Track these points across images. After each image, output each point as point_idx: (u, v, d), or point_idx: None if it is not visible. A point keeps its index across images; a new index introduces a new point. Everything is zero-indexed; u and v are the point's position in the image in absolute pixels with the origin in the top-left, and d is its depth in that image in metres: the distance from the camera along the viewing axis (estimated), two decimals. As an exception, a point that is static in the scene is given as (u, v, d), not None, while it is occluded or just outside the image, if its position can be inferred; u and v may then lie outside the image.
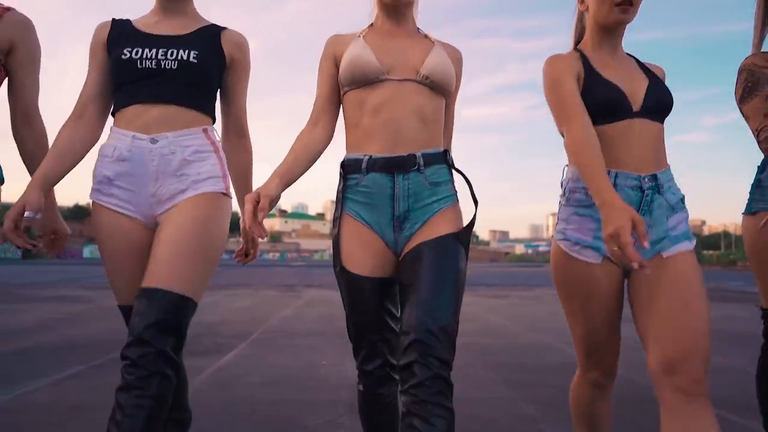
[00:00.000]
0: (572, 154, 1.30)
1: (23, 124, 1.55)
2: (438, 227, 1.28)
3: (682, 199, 1.39)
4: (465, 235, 1.30)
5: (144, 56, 1.38)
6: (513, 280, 17.86)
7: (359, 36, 1.37)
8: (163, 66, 1.38)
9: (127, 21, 1.50)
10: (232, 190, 1.50)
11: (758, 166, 1.68)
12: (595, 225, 1.32)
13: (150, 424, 1.17)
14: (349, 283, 1.30)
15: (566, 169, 1.43)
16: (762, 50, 1.70)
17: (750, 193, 1.70)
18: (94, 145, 1.45)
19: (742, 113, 1.68)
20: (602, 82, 1.35)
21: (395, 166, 1.28)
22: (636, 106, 1.34)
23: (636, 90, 1.36)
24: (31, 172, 1.50)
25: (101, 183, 1.40)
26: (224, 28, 1.52)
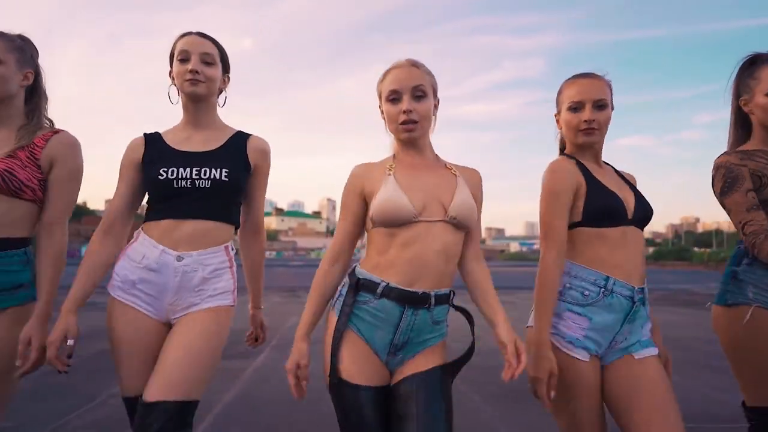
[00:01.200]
0: (542, 274, 1.44)
1: (45, 234, 1.51)
2: (428, 358, 1.35)
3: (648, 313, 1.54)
4: (457, 368, 1.41)
5: (179, 176, 1.47)
6: (498, 282, 18.55)
7: (389, 173, 1.37)
8: (197, 185, 1.47)
9: (158, 137, 1.59)
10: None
11: (732, 257, 1.67)
12: (587, 323, 1.43)
13: None
14: (351, 394, 1.30)
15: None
16: (735, 149, 1.72)
17: (723, 283, 1.67)
18: (118, 252, 1.53)
19: (723, 205, 1.67)
20: (604, 189, 1.48)
21: (409, 301, 1.31)
22: (630, 214, 1.47)
23: (628, 199, 1.50)
24: (37, 278, 1.50)
25: (124, 283, 1.47)
26: (249, 136, 1.63)
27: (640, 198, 1.53)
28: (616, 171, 1.62)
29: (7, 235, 1.45)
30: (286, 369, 1.33)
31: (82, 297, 1.45)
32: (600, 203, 1.46)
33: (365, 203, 1.39)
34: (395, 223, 1.32)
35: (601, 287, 1.44)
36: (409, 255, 1.31)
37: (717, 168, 1.66)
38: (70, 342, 1.39)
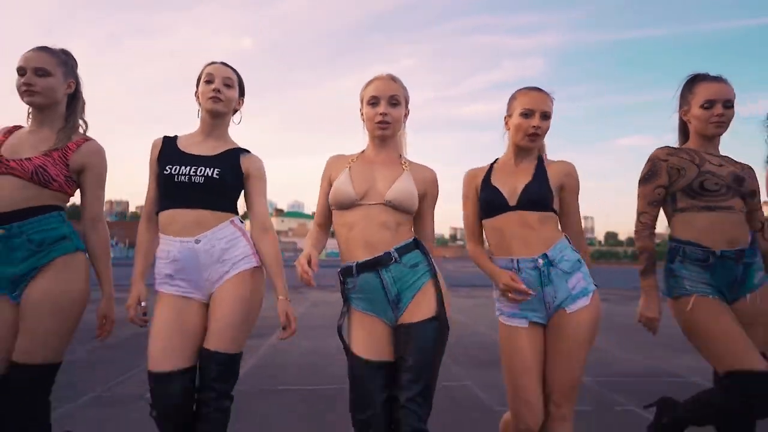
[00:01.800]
0: (472, 257, 1.89)
1: (90, 229, 1.82)
2: (423, 305, 1.61)
3: (579, 260, 1.75)
4: (442, 316, 1.61)
5: (179, 173, 1.73)
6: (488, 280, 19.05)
7: (347, 167, 1.72)
8: (192, 181, 1.73)
9: (173, 140, 1.85)
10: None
11: (667, 253, 1.94)
12: (521, 303, 1.76)
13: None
14: (359, 368, 1.59)
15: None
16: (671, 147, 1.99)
17: (665, 278, 1.94)
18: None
19: (638, 189, 1.99)
20: (489, 186, 1.82)
21: (378, 264, 1.61)
22: (512, 200, 1.76)
23: (516, 188, 1.78)
24: (95, 267, 1.82)
25: (165, 278, 1.75)
26: (246, 152, 1.89)
27: (536, 183, 1.76)
28: (540, 163, 1.85)
29: (42, 203, 1.70)
30: (298, 262, 1.60)
31: (142, 271, 1.80)
32: (483, 197, 1.82)
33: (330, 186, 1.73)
34: (342, 206, 1.66)
35: (511, 269, 1.76)
36: (356, 233, 1.63)
37: (648, 159, 1.96)
38: (143, 304, 1.76)
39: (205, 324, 1.73)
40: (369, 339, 1.61)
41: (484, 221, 1.88)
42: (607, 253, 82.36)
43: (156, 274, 1.79)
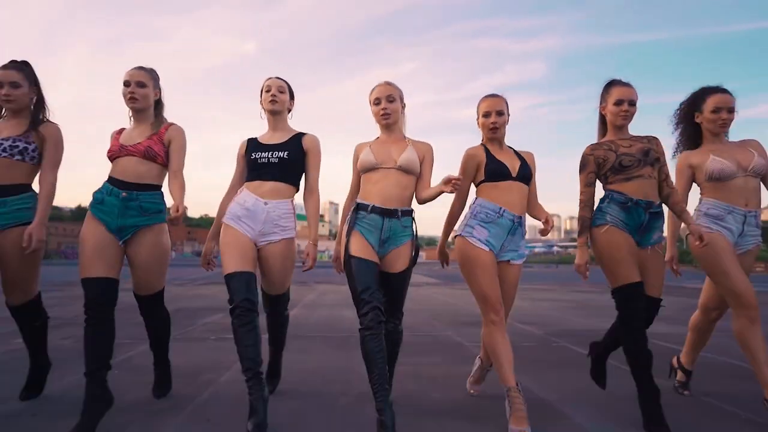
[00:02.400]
0: (451, 213, 2.56)
1: (174, 178, 2.42)
2: (400, 260, 2.34)
3: (524, 234, 2.47)
4: (412, 265, 2.39)
5: (261, 157, 2.48)
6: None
7: (368, 146, 2.44)
8: (269, 161, 2.47)
9: (255, 139, 2.60)
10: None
11: (600, 199, 2.52)
12: (487, 233, 2.38)
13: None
14: (357, 263, 2.26)
15: (476, 201, 2.46)
16: (594, 143, 2.55)
17: (595, 214, 2.50)
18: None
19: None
20: (495, 160, 2.44)
21: (385, 213, 2.31)
22: (514, 173, 2.42)
23: (514, 166, 2.44)
24: (177, 202, 2.32)
25: (234, 215, 2.41)
26: (304, 134, 2.58)
27: (524, 165, 2.46)
28: (515, 151, 2.53)
29: (151, 182, 2.43)
30: (334, 259, 2.46)
31: (216, 232, 2.54)
32: (492, 168, 2.44)
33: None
34: (366, 169, 2.38)
35: (496, 212, 2.41)
36: (378, 187, 2.34)
37: (581, 155, 2.54)
38: (214, 257, 2.63)
39: (253, 250, 2.40)
40: (362, 248, 2.30)
41: (485, 184, 2.47)
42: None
43: (228, 211, 2.45)
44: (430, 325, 5.71)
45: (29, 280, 2.51)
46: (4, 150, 2.40)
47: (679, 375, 2.94)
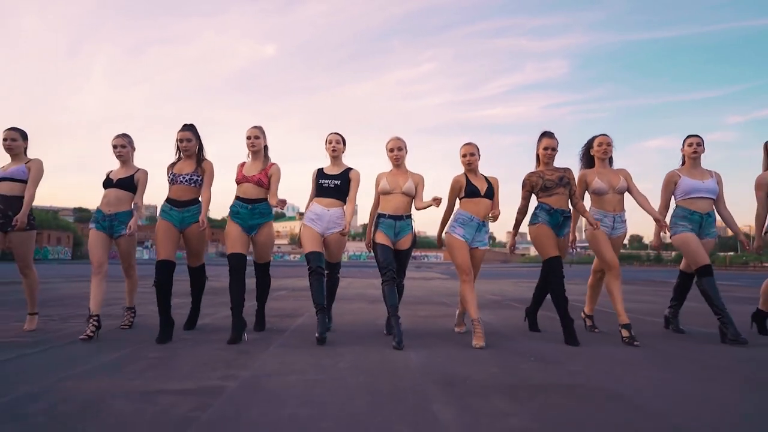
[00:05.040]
0: (444, 217, 4.10)
1: (271, 197, 3.98)
2: (405, 243, 4.00)
3: (488, 230, 3.98)
4: (413, 246, 4.04)
5: (325, 183, 4.04)
6: (491, 276, 21.43)
7: (385, 177, 4.01)
8: (330, 186, 4.03)
9: (322, 168, 4.13)
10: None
11: (535, 207, 4.05)
12: (463, 230, 3.83)
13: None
14: (381, 247, 3.87)
15: (457, 210, 3.92)
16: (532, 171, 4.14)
17: (532, 215, 4.04)
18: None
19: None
20: (471, 185, 3.88)
21: (395, 218, 3.94)
22: (482, 192, 3.87)
23: (482, 187, 3.88)
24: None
25: (310, 219, 3.98)
26: (351, 169, 4.08)
27: (489, 187, 3.88)
28: (485, 177, 3.94)
29: (262, 197, 3.96)
30: (366, 243, 4.17)
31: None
32: (469, 189, 3.88)
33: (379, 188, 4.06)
34: (384, 192, 3.99)
35: (470, 218, 3.85)
36: (391, 204, 3.96)
37: (523, 179, 4.10)
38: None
39: (320, 239, 3.96)
40: (383, 239, 3.90)
41: (464, 199, 3.91)
42: (628, 257, 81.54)
43: (305, 216, 4.06)
44: (431, 296, 8.28)
45: (201, 252, 4.23)
46: (187, 181, 4.00)
47: (588, 321, 4.52)
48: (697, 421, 1.99)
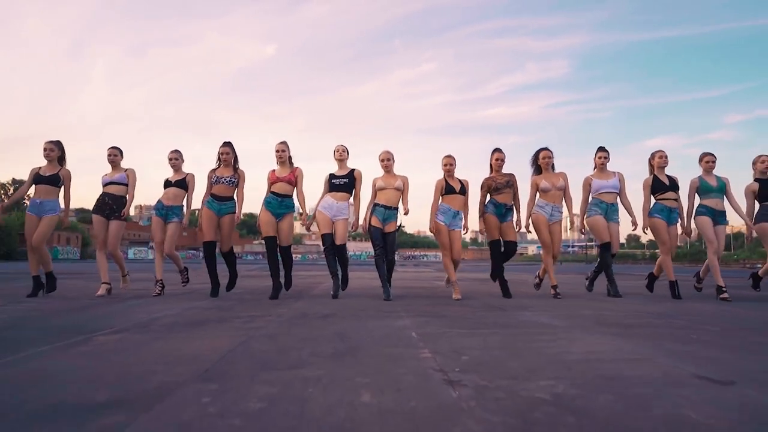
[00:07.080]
0: (432, 210, 5.58)
1: (299, 193, 5.45)
2: (391, 227, 5.43)
3: (462, 218, 5.56)
4: (397, 230, 5.49)
5: (335, 181, 5.52)
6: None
7: (381, 179, 5.52)
8: (339, 183, 5.52)
9: (333, 173, 5.59)
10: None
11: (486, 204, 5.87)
12: (443, 218, 5.39)
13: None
14: (374, 229, 5.35)
15: (441, 204, 5.46)
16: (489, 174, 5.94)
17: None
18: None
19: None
20: (449, 185, 5.45)
21: (387, 208, 5.40)
22: (457, 190, 5.43)
23: (457, 187, 5.45)
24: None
25: (324, 208, 5.45)
26: (354, 169, 5.57)
27: (462, 187, 5.46)
28: (459, 179, 5.52)
29: (290, 194, 5.42)
30: (361, 226, 5.69)
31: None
32: (447, 189, 5.47)
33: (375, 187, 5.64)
34: (379, 188, 5.51)
35: (449, 209, 5.42)
36: (384, 197, 5.44)
37: (481, 182, 5.80)
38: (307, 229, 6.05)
39: (331, 223, 5.41)
40: (376, 222, 5.34)
41: (444, 196, 5.38)
42: (624, 255, 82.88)
43: (320, 204, 5.47)
44: (429, 277, 9.21)
45: (230, 237, 5.55)
46: (227, 182, 5.43)
47: (552, 291, 5.88)
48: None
